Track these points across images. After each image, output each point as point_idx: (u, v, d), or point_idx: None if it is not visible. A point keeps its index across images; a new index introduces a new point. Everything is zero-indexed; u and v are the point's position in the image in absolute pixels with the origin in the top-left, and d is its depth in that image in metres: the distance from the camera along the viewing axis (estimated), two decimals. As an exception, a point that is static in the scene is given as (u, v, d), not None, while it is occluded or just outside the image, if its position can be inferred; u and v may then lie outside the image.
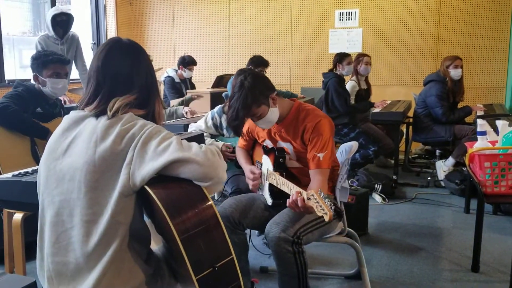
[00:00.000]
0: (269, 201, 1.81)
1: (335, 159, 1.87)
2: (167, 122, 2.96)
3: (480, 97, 4.69)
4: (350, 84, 3.96)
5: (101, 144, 1.01)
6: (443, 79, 3.70)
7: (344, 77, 3.85)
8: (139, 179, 0.99)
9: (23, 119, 2.16)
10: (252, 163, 2.02)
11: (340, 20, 5.10)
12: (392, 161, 4.00)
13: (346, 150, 1.90)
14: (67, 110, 2.05)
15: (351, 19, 5.05)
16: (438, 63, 4.72)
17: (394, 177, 3.64)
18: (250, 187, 1.89)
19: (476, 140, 1.78)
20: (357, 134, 3.63)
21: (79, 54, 3.87)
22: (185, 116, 3.32)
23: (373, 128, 3.80)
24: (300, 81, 5.37)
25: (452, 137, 3.61)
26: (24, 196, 1.45)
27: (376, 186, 3.40)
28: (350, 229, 1.95)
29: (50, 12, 3.65)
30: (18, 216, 1.59)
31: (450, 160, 3.63)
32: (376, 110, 3.81)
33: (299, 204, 1.46)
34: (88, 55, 4.54)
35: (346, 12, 5.07)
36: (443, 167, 3.69)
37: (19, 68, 5.09)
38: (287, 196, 1.62)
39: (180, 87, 4.44)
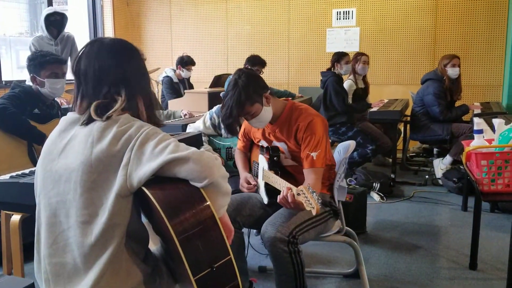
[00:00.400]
0: (265, 200, 1.82)
1: (332, 158, 1.88)
2: (165, 122, 2.96)
3: (477, 95, 4.70)
4: (347, 83, 3.96)
5: (98, 145, 1.01)
6: (441, 78, 3.71)
7: (342, 76, 3.86)
8: (137, 180, 0.99)
9: (21, 122, 2.15)
10: (250, 166, 2.03)
11: (337, 19, 5.11)
12: (390, 160, 4.01)
13: (344, 149, 1.91)
14: (65, 111, 2.05)
15: (349, 18, 5.06)
16: (436, 61, 4.73)
17: (392, 175, 3.65)
18: (245, 191, 1.90)
19: (473, 138, 1.79)
20: (355, 133, 3.63)
21: (74, 54, 3.86)
22: (183, 118, 3.32)
23: (371, 127, 3.80)
24: (298, 81, 5.37)
25: (449, 135, 3.62)
26: (22, 198, 1.45)
27: (374, 184, 3.41)
28: (348, 228, 1.96)
29: (44, 12, 3.64)
30: (16, 217, 1.59)
31: (448, 159, 3.64)
32: (374, 109, 3.82)
33: (289, 200, 1.47)
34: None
35: (343, 11, 5.08)
36: (440, 165, 3.70)
37: (16, 69, 5.08)
38: None
39: (178, 87, 4.44)
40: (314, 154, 1.69)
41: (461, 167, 3.50)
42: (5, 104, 2.14)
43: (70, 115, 1.11)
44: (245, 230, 1.88)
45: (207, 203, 0.96)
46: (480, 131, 1.74)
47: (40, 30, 3.68)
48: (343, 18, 5.08)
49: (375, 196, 3.37)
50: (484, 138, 1.79)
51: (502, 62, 4.61)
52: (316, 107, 3.91)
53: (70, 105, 1.41)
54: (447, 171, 3.61)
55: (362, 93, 4.08)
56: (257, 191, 1.90)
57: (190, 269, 0.90)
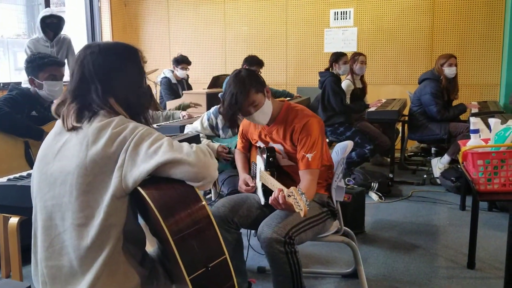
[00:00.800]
0: (262, 201, 1.81)
1: (330, 158, 1.88)
2: (163, 123, 2.96)
3: (475, 95, 4.71)
4: (345, 83, 3.97)
5: (93, 147, 1.01)
6: (438, 77, 3.72)
7: (340, 76, 3.87)
8: (132, 181, 0.99)
9: (14, 120, 2.14)
10: (249, 167, 2.03)
11: (335, 19, 5.12)
12: (388, 160, 4.01)
13: (342, 149, 1.91)
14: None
15: (346, 18, 5.07)
16: (433, 61, 4.74)
17: (390, 175, 3.65)
18: (243, 191, 1.90)
19: (471, 137, 1.80)
20: (353, 133, 3.64)
21: (71, 56, 3.87)
22: (182, 119, 3.32)
23: (369, 127, 3.81)
24: (296, 81, 5.38)
25: (447, 134, 3.63)
26: (20, 200, 1.45)
27: (372, 184, 3.42)
28: (346, 228, 1.96)
29: (40, 14, 3.63)
30: (14, 220, 1.59)
31: (446, 158, 3.65)
32: (372, 109, 3.83)
33: (280, 201, 1.48)
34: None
35: (341, 12, 5.09)
36: (438, 164, 3.71)
37: (14, 71, 5.07)
38: None
39: (177, 88, 4.43)
40: (309, 156, 1.69)
41: (459, 166, 3.51)
42: (0, 106, 2.14)
43: None
44: (244, 231, 1.88)
45: (203, 203, 0.97)
46: (476, 131, 1.74)
47: (37, 31, 3.68)
48: (341, 18, 5.09)
49: (373, 196, 3.38)
50: (481, 138, 1.80)
51: (499, 61, 4.62)
52: (314, 108, 3.91)
53: None
54: (445, 170, 3.62)
55: (360, 93, 4.09)
56: (255, 191, 1.90)
57: (185, 268, 0.90)
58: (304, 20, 5.25)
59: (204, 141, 2.42)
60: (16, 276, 1.63)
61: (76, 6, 5.71)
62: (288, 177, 1.82)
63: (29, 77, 2.24)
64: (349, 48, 5.00)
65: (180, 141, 1.92)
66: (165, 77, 4.40)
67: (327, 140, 3.66)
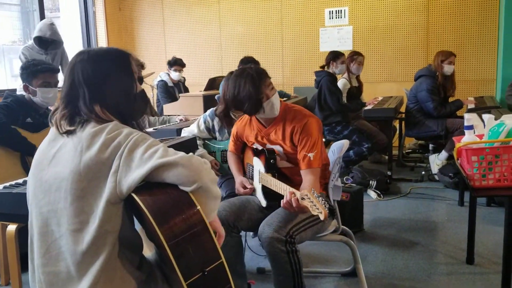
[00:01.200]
0: (264, 203, 1.81)
1: (326, 157, 1.88)
2: (159, 127, 2.96)
3: (471, 90, 4.72)
4: (341, 82, 3.98)
5: (87, 153, 1.01)
6: (434, 74, 3.73)
7: (336, 75, 3.88)
8: (126, 187, 1.00)
9: (11, 133, 2.14)
10: (244, 169, 2.03)
11: (330, 18, 5.12)
12: (386, 157, 4.02)
13: (338, 148, 1.92)
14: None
15: (341, 17, 5.08)
16: (428, 58, 4.76)
17: (389, 172, 3.66)
18: (241, 194, 1.90)
19: (468, 134, 1.80)
20: (350, 132, 3.64)
21: (65, 61, 3.87)
22: (178, 122, 3.32)
23: (366, 125, 3.82)
24: (293, 81, 5.39)
25: (444, 131, 3.64)
26: (16, 208, 1.45)
27: (370, 182, 3.42)
28: (344, 227, 1.96)
29: (38, 31, 3.63)
30: (12, 227, 1.59)
31: (443, 154, 3.65)
32: (369, 107, 3.84)
33: (294, 205, 1.47)
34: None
35: (336, 10, 5.09)
36: (436, 161, 3.71)
37: (10, 77, 5.07)
38: (281, 196, 1.62)
39: (173, 91, 4.43)
40: (311, 155, 1.70)
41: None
42: None
43: None
44: (243, 232, 1.88)
45: (197, 208, 0.97)
46: (470, 127, 1.75)
47: (31, 41, 3.70)
48: (336, 17, 5.09)
49: (372, 194, 3.38)
50: (476, 134, 1.81)
51: (495, 57, 4.63)
52: (311, 107, 3.92)
53: None
54: (443, 166, 3.62)
55: (356, 91, 4.10)
56: (253, 194, 1.90)
57: (181, 273, 0.90)
58: (299, 20, 5.25)
59: (200, 150, 2.42)
60: (15, 283, 1.63)
61: (71, 12, 5.71)
62: (286, 179, 1.82)
63: (23, 83, 2.24)
64: (345, 46, 5.01)
65: (176, 144, 1.93)
66: (162, 80, 4.40)
67: (324, 139, 3.66)
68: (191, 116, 3.38)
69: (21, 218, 1.47)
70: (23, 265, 1.63)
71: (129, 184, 0.99)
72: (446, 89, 3.77)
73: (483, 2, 4.59)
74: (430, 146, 4.16)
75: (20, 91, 2.34)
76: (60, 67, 3.79)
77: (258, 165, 1.86)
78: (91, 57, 1.10)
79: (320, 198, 1.38)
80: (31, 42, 3.71)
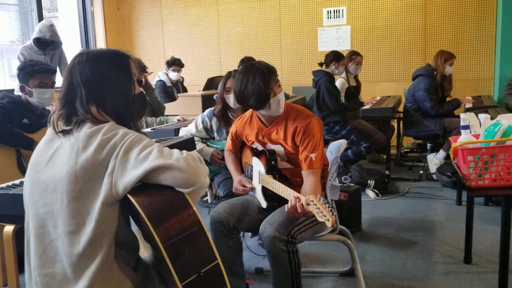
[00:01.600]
0: (264, 204, 1.81)
1: (325, 157, 1.88)
2: (157, 127, 2.96)
3: (469, 90, 4.73)
4: (339, 82, 3.98)
5: (83, 154, 1.01)
6: (431, 73, 3.73)
7: (335, 75, 3.88)
8: (122, 188, 1.00)
9: (5, 129, 2.14)
10: (242, 167, 2.03)
11: (328, 18, 5.13)
12: (384, 157, 4.02)
13: (335, 148, 1.92)
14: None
15: (339, 17, 5.08)
16: (426, 57, 4.76)
17: (387, 172, 3.67)
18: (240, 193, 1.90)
19: (465, 133, 1.80)
20: (349, 131, 3.65)
21: (63, 62, 3.87)
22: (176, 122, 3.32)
23: (364, 124, 3.82)
24: (291, 81, 5.39)
25: (442, 130, 3.64)
26: (13, 209, 1.44)
27: (369, 182, 3.42)
28: (342, 227, 1.97)
29: (37, 32, 3.63)
30: (9, 228, 1.58)
31: (441, 153, 3.66)
32: (367, 106, 3.84)
33: (299, 210, 1.46)
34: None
35: (334, 10, 5.10)
36: (434, 160, 3.72)
37: (8, 78, 5.06)
38: (281, 198, 1.62)
39: (172, 91, 4.43)
40: (313, 156, 1.70)
41: (454, 161, 3.52)
42: None
43: None
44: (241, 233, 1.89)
45: (193, 209, 0.97)
46: (466, 127, 1.75)
47: (30, 41, 3.69)
48: (334, 17, 5.10)
49: (370, 193, 3.39)
50: (473, 134, 1.81)
51: (492, 56, 4.64)
52: (309, 107, 3.92)
53: None
54: (441, 165, 3.63)
55: (354, 91, 4.10)
56: (253, 194, 1.90)
57: (176, 275, 0.90)
58: (298, 20, 5.26)
59: (200, 145, 2.41)
60: (12, 285, 1.63)
61: (69, 11, 5.70)
62: (286, 180, 1.81)
63: (20, 84, 2.24)
64: (343, 46, 5.01)
65: (174, 144, 1.93)
66: (160, 80, 4.40)
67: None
68: (189, 116, 3.38)
69: (19, 219, 1.46)
70: (20, 266, 1.63)
71: (124, 185, 0.99)
72: (443, 89, 3.78)
73: (481, 1, 4.60)
74: (428, 145, 4.16)
75: (17, 92, 2.33)
76: (58, 68, 3.79)
77: (258, 165, 1.85)
78: (90, 58, 1.11)
79: (327, 204, 1.36)
80: (30, 42, 3.70)
